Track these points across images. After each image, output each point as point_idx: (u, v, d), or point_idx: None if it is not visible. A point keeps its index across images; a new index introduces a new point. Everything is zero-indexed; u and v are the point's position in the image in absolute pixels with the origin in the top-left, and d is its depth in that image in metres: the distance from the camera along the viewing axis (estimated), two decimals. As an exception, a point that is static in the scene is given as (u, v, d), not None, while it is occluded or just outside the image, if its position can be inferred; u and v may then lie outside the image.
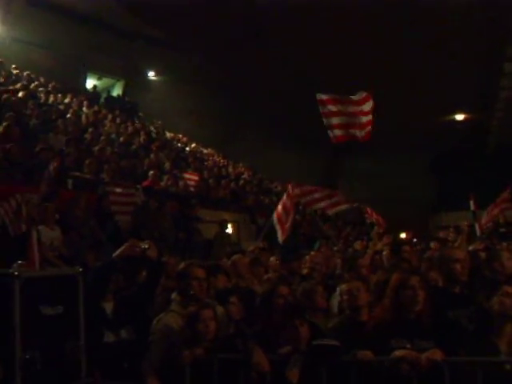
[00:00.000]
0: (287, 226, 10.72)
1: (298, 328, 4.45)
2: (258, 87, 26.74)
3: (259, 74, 25.39)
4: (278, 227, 10.77)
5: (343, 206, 11.88)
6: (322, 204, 11.54)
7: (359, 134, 9.15)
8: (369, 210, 14.64)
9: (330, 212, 12.61)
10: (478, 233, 12.51)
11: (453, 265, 5.25)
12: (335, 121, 9.05)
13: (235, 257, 7.76)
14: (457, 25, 19.88)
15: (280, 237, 10.60)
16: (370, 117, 9.09)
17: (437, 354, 4.20)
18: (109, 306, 5.25)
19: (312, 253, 9.68)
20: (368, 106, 9.09)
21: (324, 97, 9.09)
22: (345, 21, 19.95)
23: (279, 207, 11.00)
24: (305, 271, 8.19)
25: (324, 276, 7.95)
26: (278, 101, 27.36)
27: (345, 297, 5.28)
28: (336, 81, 24.33)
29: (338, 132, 9.09)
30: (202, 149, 27.53)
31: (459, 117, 30.09)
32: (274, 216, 10.93)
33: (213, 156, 27.31)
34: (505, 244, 10.63)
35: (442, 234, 14.98)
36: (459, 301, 5.07)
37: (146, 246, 5.08)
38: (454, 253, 5.46)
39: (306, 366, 4.37)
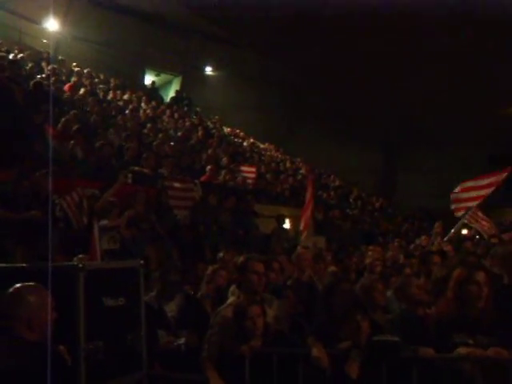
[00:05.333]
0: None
1: (359, 323, 4.38)
2: (315, 81, 26.59)
3: (316, 68, 25.21)
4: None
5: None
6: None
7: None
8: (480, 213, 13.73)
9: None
10: None
11: None
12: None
13: (299, 250, 7.73)
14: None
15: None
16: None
17: (501, 353, 4.09)
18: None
19: (371, 247, 9.58)
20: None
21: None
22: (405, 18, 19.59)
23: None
24: (368, 261, 8.10)
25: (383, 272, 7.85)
26: (336, 95, 27.13)
27: (399, 292, 5.27)
28: (397, 76, 24.12)
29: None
30: (259, 144, 27.57)
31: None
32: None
33: (270, 151, 27.32)
34: None
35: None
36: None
37: (182, 342, 5.27)
38: None
39: (366, 361, 4.31)
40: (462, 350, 4.15)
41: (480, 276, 4.44)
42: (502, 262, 5.29)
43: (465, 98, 25.10)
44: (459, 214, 11.65)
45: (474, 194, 11.56)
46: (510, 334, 4.28)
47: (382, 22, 19.83)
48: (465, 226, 14.87)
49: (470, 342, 4.24)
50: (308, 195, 11.71)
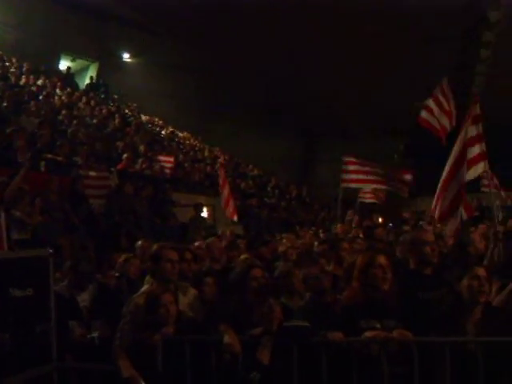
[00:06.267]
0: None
1: (271, 309, 4.44)
2: (235, 72, 26.60)
3: (237, 59, 25.24)
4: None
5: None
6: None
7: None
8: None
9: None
10: (465, 216, 12.58)
11: (422, 247, 5.28)
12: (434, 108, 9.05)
13: (210, 240, 7.75)
14: (433, 11, 19.96)
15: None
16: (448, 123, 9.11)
17: (406, 334, 4.25)
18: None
19: (284, 235, 9.72)
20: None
21: (445, 84, 9.10)
22: (318, 10, 19.93)
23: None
24: (282, 249, 8.22)
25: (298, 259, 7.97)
26: (254, 86, 27.25)
27: (308, 281, 5.38)
28: (314, 68, 24.48)
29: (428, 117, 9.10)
30: (178, 132, 27.36)
31: (436, 101, 30.21)
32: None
33: (189, 140, 27.17)
34: (482, 226, 10.62)
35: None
36: (430, 282, 5.11)
37: (95, 335, 5.27)
38: (424, 235, 5.50)
39: (277, 347, 4.38)
40: (368, 334, 4.28)
41: (382, 259, 4.59)
42: (409, 247, 5.49)
43: (381, 89, 25.81)
44: (344, 185, 12.00)
45: (361, 176, 11.79)
46: (416, 317, 4.46)
47: (300, 13, 20.09)
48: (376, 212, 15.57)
49: (378, 326, 4.38)
50: (221, 182, 11.93)
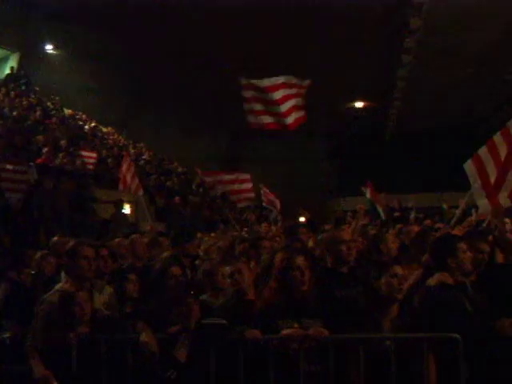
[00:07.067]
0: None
1: (190, 307, 4.42)
2: (159, 67, 26.30)
3: (161, 54, 24.96)
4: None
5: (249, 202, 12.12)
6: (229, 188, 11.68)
7: (285, 121, 9.01)
8: (266, 191, 14.83)
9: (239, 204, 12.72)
10: (383, 216, 13.05)
11: (339, 246, 5.37)
12: (257, 107, 8.92)
13: (133, 236, 7.66)
14: (356, 16, 20.38)
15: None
16: (292, 102, 8.99)
17: (321, 331, 4.31)
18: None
19: (212, 234, 9.71)
20: (285, 92, 9.00)
21: (247, 82, 8.95)
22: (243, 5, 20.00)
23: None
24: (202, 248, 8.20)
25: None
26: (179, 82, 27.04)
27: (229, 279, 5.38)
28: (240, 66, 24.48)
29: (262, 119, 8.98)
30: (101, 127, 26.83)
31: (359, 104, 30.95)
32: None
33: (113, 135, 26.71)
34: (398, 226, 10.88)
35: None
36: (347, 281, 5.20)
37: (6, 335, 5.09)
38: (341, 234, 5.60)
39: (194, 345, 4.37)
40: (285, 331, 4.31)
41: (300, 260, 4.61)
42: (326, 246, 5.59)
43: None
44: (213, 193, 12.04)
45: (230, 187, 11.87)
46: (333, 315, 4.53)
47: (224, 9, 20.10)
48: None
49: (295, 326, 4.41)
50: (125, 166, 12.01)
